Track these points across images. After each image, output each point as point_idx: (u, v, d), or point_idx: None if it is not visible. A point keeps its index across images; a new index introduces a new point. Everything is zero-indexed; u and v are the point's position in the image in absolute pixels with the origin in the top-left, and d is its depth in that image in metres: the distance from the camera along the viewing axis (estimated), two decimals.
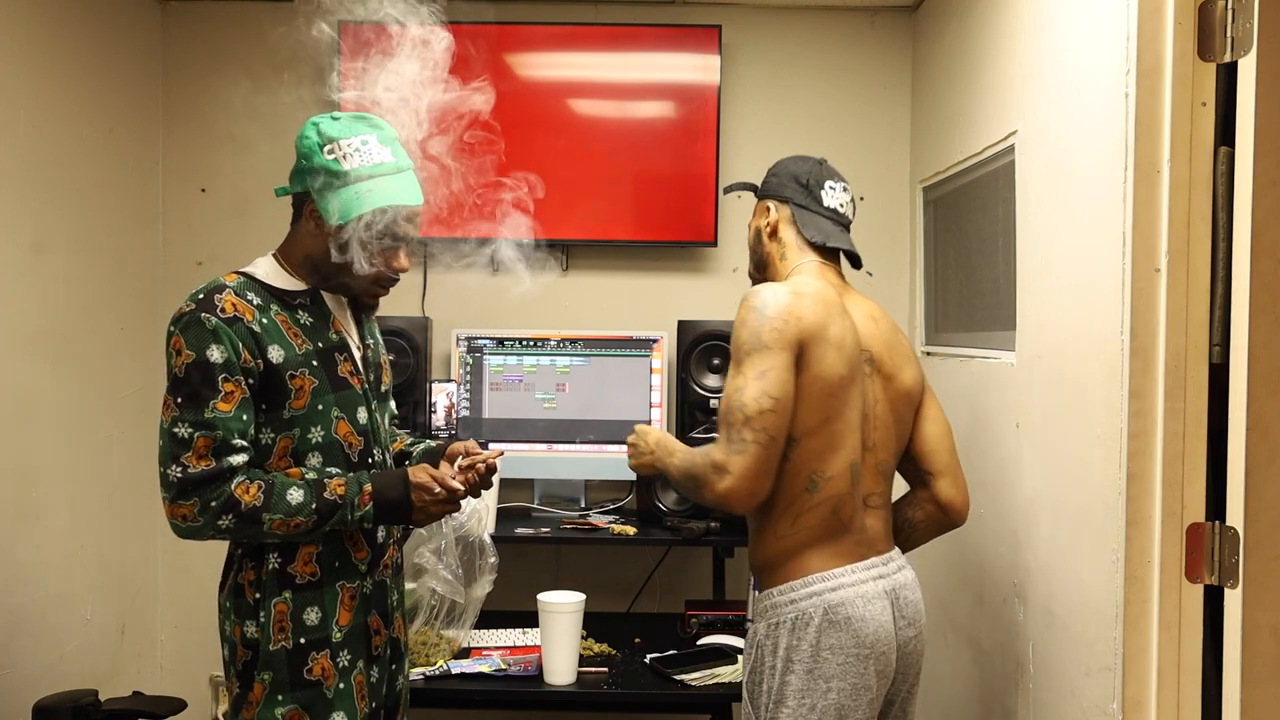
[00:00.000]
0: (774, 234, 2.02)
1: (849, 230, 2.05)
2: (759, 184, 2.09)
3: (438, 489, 1.74)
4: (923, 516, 1.99)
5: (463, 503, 1.95)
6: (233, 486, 1.62)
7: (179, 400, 1.63)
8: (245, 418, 1.65)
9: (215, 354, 1.63)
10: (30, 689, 2.46)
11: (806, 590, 1.79)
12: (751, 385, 1.76)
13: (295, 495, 1.65)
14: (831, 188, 2.03)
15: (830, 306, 1.85)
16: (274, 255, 1.79)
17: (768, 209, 2.03)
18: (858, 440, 1.86)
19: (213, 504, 1.61)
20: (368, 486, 1.70)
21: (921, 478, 2.00)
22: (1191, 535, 1.69)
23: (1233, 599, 1.62)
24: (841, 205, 2.04)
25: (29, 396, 2.58)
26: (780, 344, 1.78)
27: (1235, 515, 1.61)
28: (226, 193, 3.18)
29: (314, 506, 1.66)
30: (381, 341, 1.96)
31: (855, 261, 2.05)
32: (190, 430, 1.62)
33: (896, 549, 1.96)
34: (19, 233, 2.54)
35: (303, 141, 1.73)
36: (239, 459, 1.64)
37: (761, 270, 2.07)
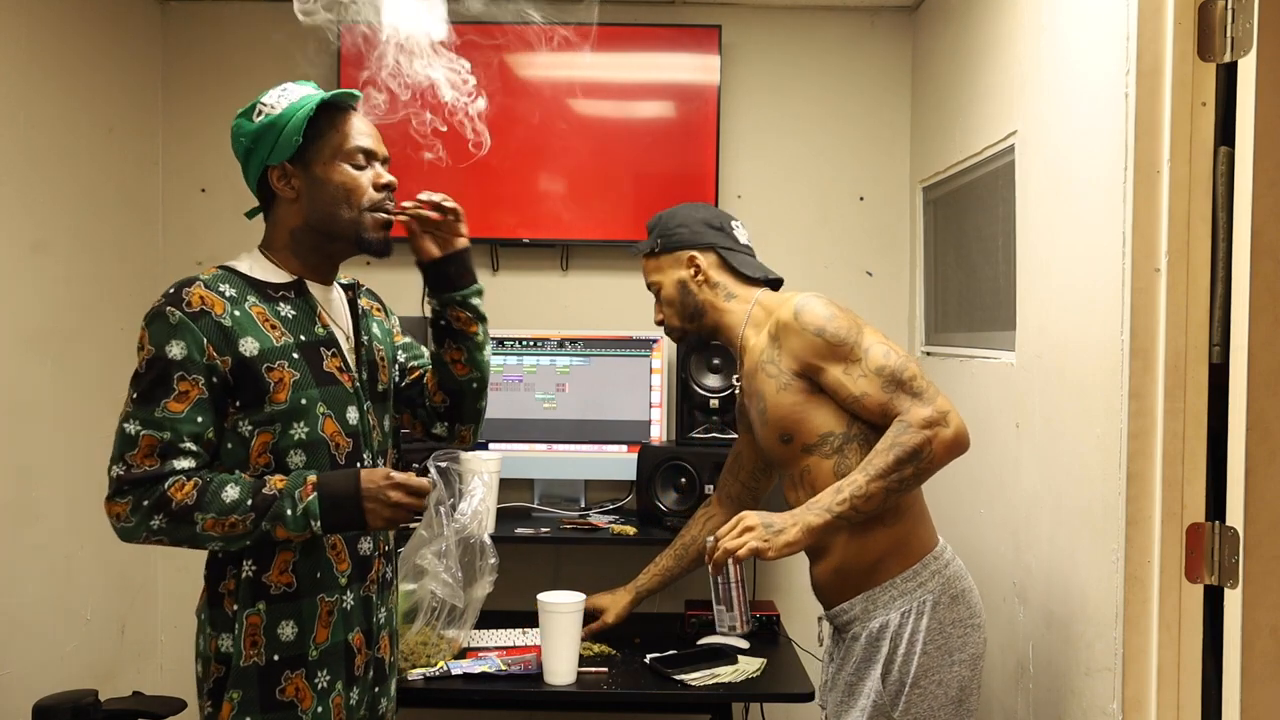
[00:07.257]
0: (706, 281, 2.05)
1: None
2: (658, 239, 2.08)
3: (391, 484, 1.59)
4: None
5: (461, 505, 1.94)
6: (167, 485, 1.55)
7: (134, 396, 1.58)
8: (200, 420, 1.58)
9: (175, 350, 1.57)
10: (30, 689, 2.46)
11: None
12: (891, 350, 1.86)
13: (230, 492, 1.56)
14: (736, 225, 2.11)
15: None
16: (258, 249, 1.75)
17: (691, 259, 2.05)
18: None
19: (145, 503, 1.55)
20: (312, 478, 1.58)
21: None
22: (1191, 535, 1.69)
23: (1233, 599, 1.62)
24: (749, 240, 2.12)
25: (29, 396, 2.58)
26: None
27: (1235, 515, 1.61)
28: (226, 193, 3.18)
29: (250, 503, 1.55)
30: (389, 338, 1.88)
31: (777, 285, 2.11)
32: (139, 428, 1.57)
33: None
34: (19, 232, 2.54)
35: (236, 132, 1.71)
36: (184, 463, 1.57)
37: (697, 319, 2.07)
